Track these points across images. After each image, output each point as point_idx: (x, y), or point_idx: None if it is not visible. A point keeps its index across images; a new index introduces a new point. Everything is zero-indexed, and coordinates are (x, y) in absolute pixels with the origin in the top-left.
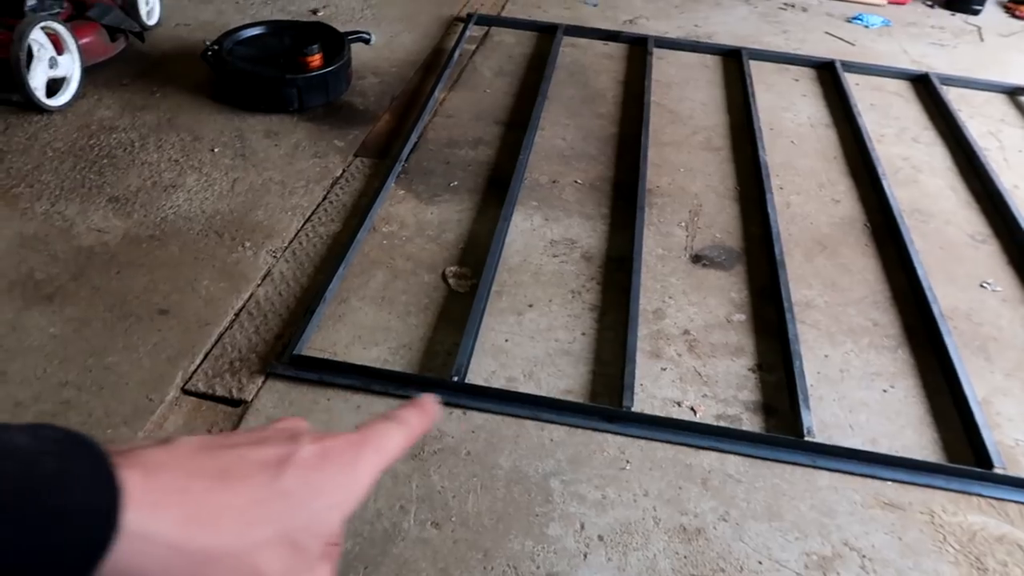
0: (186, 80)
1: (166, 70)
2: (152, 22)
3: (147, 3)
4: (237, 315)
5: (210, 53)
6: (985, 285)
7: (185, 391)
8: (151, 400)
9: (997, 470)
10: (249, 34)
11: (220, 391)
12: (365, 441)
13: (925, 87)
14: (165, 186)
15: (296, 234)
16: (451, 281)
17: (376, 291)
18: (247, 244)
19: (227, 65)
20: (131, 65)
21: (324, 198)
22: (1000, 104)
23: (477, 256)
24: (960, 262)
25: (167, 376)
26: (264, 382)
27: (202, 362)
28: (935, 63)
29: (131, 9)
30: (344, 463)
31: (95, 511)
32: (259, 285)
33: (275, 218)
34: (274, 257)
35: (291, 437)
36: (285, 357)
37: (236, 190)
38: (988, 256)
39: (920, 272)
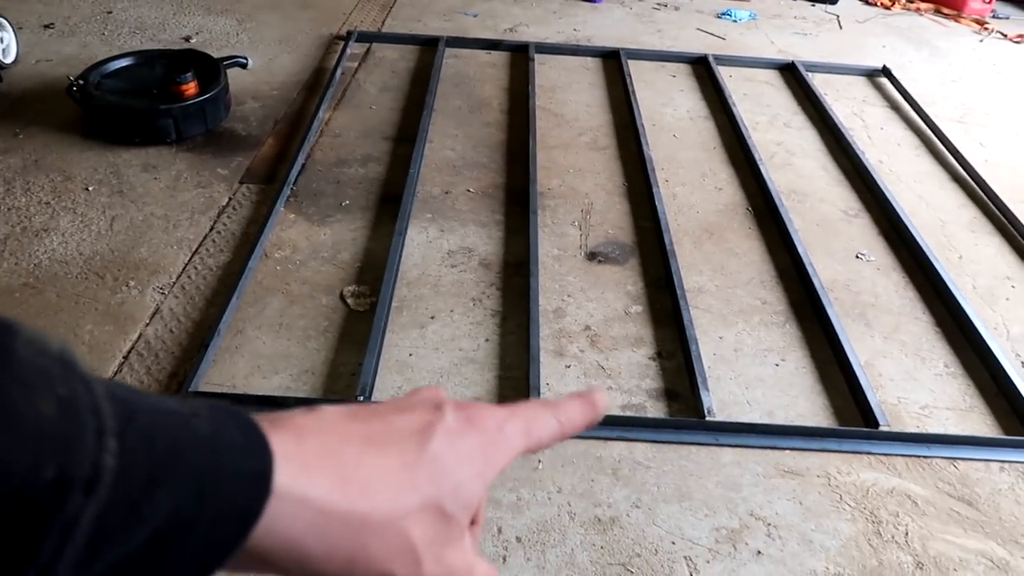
0: (52, 118)
1: (29, 109)
2: (9, 60)
3: (2, 41)
4: (126, 357)
5: (75, 88)
6: (860, 256)
7: None
8: None
9: (883, 428)
10: (118, 66)
11: None
12: (512, 415)
13: (792, 75)
14: (36, 231)
15: (184, 268)
16: (350, 301)
17: (273, 318)
18: (131, 283)
19: (95, 99)
20: None
21: (211, 228)
22: (861, 86)
23: (375, 273)
24: (836, 237)
25: None
26: None
27: None
28: (800, 52)
29: None
30: (489, 432)
31: (248, 473)
32: (147, 324)
33: (160, 253)
34: (162, 294)
35: (436, 405)
36: (180, 395)
37: (115, 228)
38: (861, 229)
39: (800, 249)
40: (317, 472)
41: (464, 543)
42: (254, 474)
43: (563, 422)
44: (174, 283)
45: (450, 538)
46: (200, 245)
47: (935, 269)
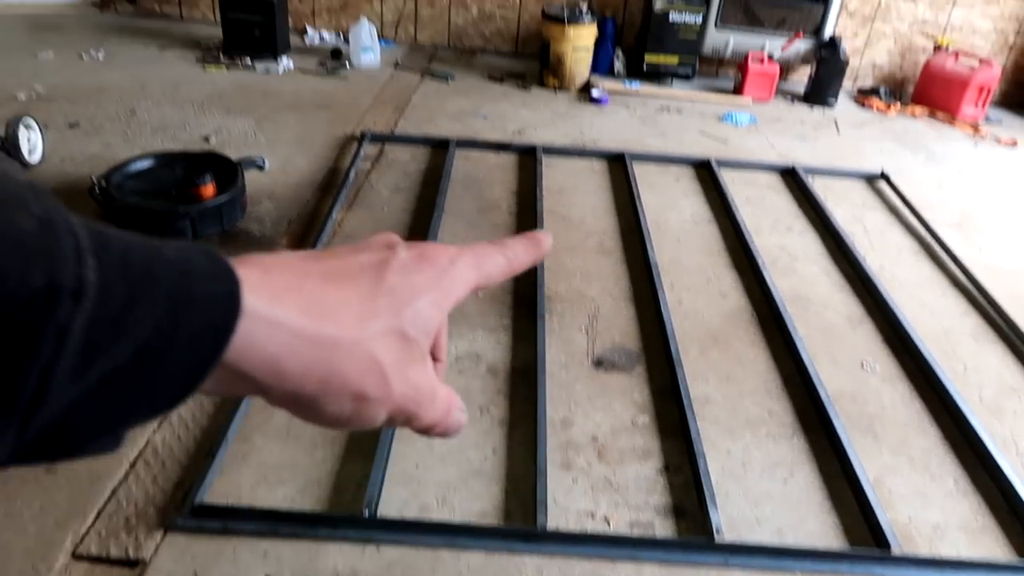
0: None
1: None
2: (35, 159)
3: (28, 140)
4: (132, 465)
5: (98, 189)
6: (865, 365)
7: (76, 556)
8: (37, 570)
9: (895, 551)
10: (139, 167)
11: (115, 552)
12: (462, 252)
13: (793, 178)
14: None
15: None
16: None
17: (281, 426)
18: None
19: (116, 201)
20: None
21: None
22: (860, 190)
23: None
24: (840, 344)
25: (55, 541)
26: (164, 537)
27: (94, 521)
28: (800, 155)
29: (12, 148)
30: (440, 266)
31: (219, 295)
32: (156, 430)
33: None
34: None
35: (388, 245)
36: (186, 507)
37: None
38: (865, 336)
39: (805, 357)
40: (284, 300)
41: (427, 366)
42: (223, 294)
43: (510, 258)
44: None
45: (413, 359)
46: None
47: (940, 380)
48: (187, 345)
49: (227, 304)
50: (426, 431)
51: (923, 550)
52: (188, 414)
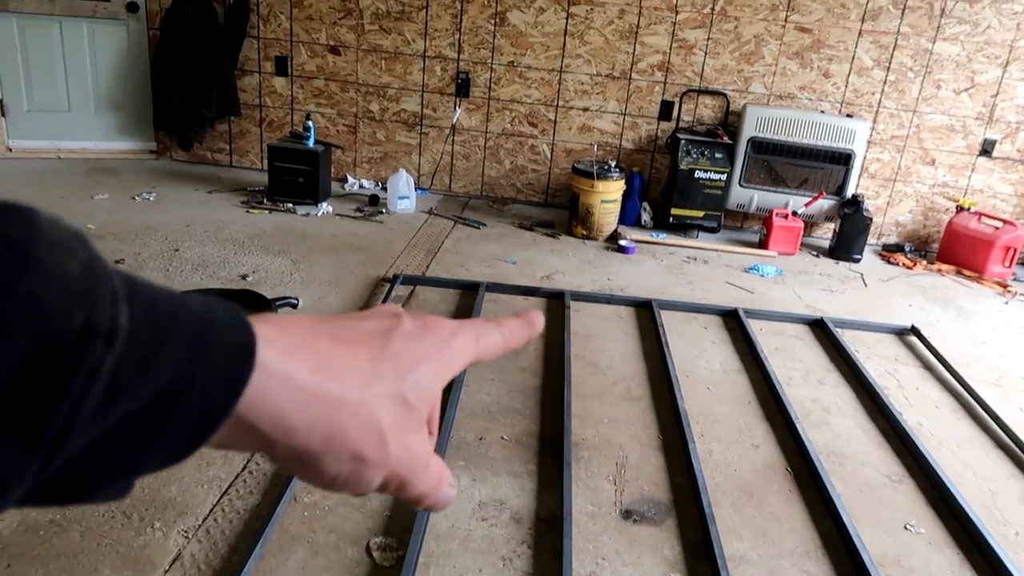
0: None
1: None
2: None
3: None
4: None
5: None
6: (909, 527)
7: None
8: None
9: None
10: None
11: None
12: (463, 326)
13: (822, 330)
14: None
15: (211, 510)
16: (376, 554)
17: (296, 571)
18: (157, 524)
19: None
20: None
21: (244, 468)
22: (891, 344)
23: (403, 523)
24: (881, 504)
25: None
26: None
27: None
28: (827, 307)
29: None
30: (442, 337)
31: (236, 346)
32: (167, 571)
33: (190, 493)
34: (185, 537)
35: (394, 314)
36: None
37: None
38: (907, 497)
39: (845, 517)
40: (297, 356)
41: (423, 434)
42: (241, 346)
43: (506, 336)
44: (200, 525)
45: (411, 426)
46: (231, 485)
47: (991, 546)
48: (203, 392)
49: (244, 355)
50: (417, 501)
51: None
52: (201, 554)
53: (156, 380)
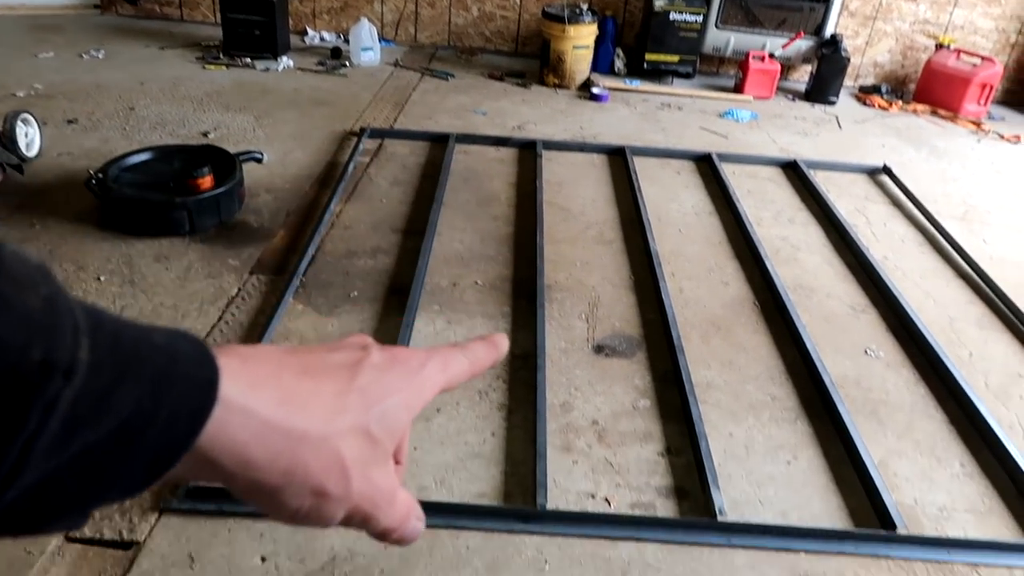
0: (69, 210)
1: (47, 201)
2: (32, 154)
3: (26, 135)
4: None
5: (94, 181)
6: (869, 352)
7: (68, 538)
8: (30, 553)
9: (900, 531)
10: (136, 160)
11: (108, 534)
12: (431, 356)
13: (795, 172)
14: None
15: None
16: None
17: None
18: None
19: (112, 192)
20: (8, 199)
21: (219, 318)
22: (863, 184)
23: None
24: (844, 332)
25: None
26: (158, 519)
27: None
28: (801, 150)
29: (9, 142)
30: (411, 369)
31: (199, 380)
32: None
33: None
34: None
35: (362, 346)
36: (180, 490)
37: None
38: (869, 325)
39: (809, 344)
40: (261, 389)
41: (389, 467)
42: (204, 380)
43: (472, 360)
44: None
45: (376, 460)
46: (207, 335)
47: (946, 366)
48: (165, 425)
49: (206, 389)
50: (382, 536)
51: (929, 531)
52: None
53: (117, 413)
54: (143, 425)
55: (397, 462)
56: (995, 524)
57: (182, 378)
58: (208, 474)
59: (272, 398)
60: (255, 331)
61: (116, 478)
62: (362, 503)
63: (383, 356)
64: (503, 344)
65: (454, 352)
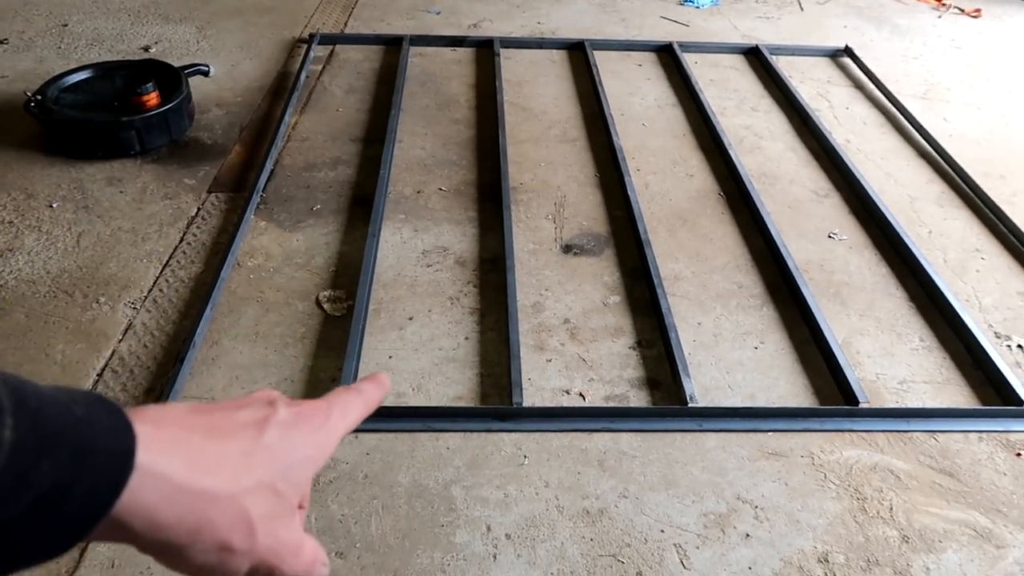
0: (11, 136)
1: None
2: None
3: None
4: (100, 375)
5: (33, 104)
6: (832, 235)
7: None
8: None
9: (863, 405)
10: (76, 79)
11: None
12: (331, 407)
13: (757, 58)
14: (0, 251)
15: (155, 281)
16: (326, 306)
17: (248, 328)
18: (102, 299)
19: (54, 114)
20: None
21: (181, 240)
22: (825, 67)
23: (350, 277)
24: (808, 217)
25: None
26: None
27: None
28: (763, 35)
29: None
30: (315, 424)
31: (116, 451)
32: (121, 340)
33: (130, 268)
34: (134, 309)
35: (269, 403)
36: None
37: (82, 244)
38: (832, 209)
39: (773, 231)
40: (172, 455)
41: (294, 520)
42: (121, 451)
43: (366, 401)
44: (146, 297)
45: (281, 513)
46: (171, 257)
47: (906, 245)
48: (83, 498)
49: (123, 460)
50: None
51: (890, 404)
52: (153, 322)
53: (37, 487)
54: (61, 498)
55: (300, 507)
56: (952, 393)
57: (101, 451)
58: (116, 536)
59: (182, 462)
60: (218, 251)
61: (33, 547)
62: (268, 556)
63: (289, 413)
64: (387, 381)
65: (351, 397)
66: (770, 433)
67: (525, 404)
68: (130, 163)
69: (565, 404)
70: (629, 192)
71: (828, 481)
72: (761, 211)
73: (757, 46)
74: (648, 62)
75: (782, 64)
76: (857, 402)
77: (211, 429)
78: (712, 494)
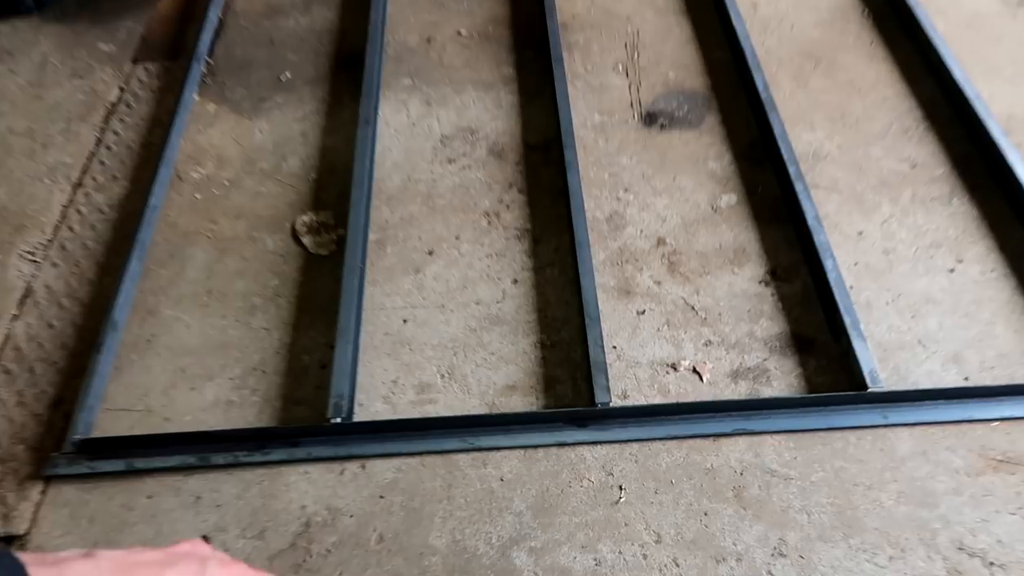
0: None
1: None
2: None
3: None
4: None
5: None
6: None
7: None
8: None
9: None
10: None
11: None
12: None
13: None
14: None
15: (63, 214)
16: (306, 240)
17: (198, 282)
18: None
19: None
20: None
21: (98, 143)
22: None
23: (339, 188)
24: (1000, 43)
25: None
26: (44, 493)
27: None
28: None
29: None
30: None
31: None
32: (16, 317)
33: (26, 194)
34: (34, 262)
35: (200, 559)
36: (68, 442)
37: None
38: None
39: (956, 72)
40: None
41: None
42: None
43: None
44: (50, 241)
45: None
46: (84, 173)
47: None
48: None
49: None
50: None
51: None
52: (60, 282)
53: None
54: None
55: None
56: None
57: None
58: None
59: None
60: (150, 157)
61: None
62: None
63: (220, 572)
64: None
65: None
66: (996, 424)
67: (614, 392)
68: (22, 26)
69: (672, 388)
70: (733, 19)
71: None
72: (931, 35)
73: None
74: None
75: None
76: None
77: None
78: (919, 542)
